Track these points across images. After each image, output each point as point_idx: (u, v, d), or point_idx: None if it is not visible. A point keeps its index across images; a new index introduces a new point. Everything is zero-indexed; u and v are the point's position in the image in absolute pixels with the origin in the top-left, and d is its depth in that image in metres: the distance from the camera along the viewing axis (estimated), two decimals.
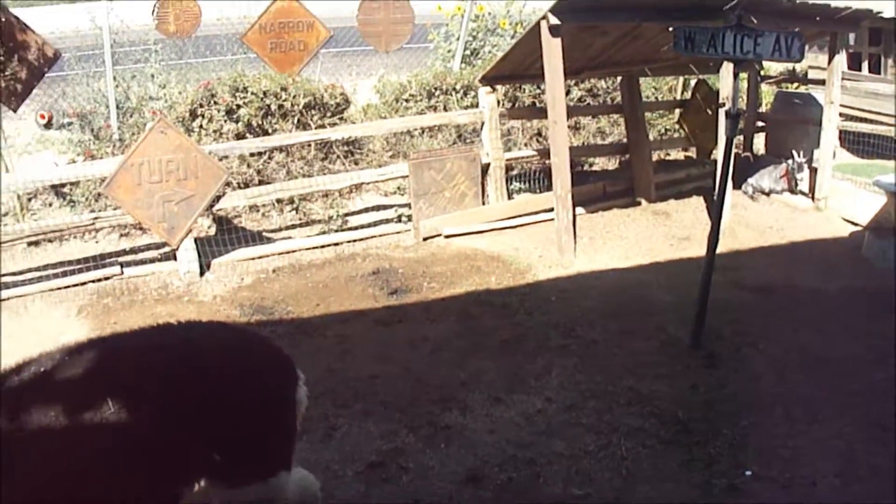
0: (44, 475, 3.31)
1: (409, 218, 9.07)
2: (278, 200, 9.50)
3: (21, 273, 8.61)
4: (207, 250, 8.59)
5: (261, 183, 9.39)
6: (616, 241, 9.34)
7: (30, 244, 9.29)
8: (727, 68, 8.52)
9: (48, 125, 10.71)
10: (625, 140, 11.38)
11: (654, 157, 11.59)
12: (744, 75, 11.12)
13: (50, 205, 10.01)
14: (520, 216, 9.58)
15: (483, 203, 9.67)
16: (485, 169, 9.73)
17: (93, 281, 8.25)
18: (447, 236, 8.82)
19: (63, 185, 9.45)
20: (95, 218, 8.53)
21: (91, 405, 3.38)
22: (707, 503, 4.75)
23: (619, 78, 11.33)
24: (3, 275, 8.53)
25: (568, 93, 11.35)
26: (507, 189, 10.16)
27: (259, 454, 3.80)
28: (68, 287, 8.22)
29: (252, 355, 3.85)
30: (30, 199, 9.88)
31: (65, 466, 3.35)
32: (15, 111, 9.32)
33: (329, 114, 10.31)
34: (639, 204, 10.60)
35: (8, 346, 7.00)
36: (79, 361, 3.52)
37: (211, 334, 3.88)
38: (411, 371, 6.25)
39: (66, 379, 3.46)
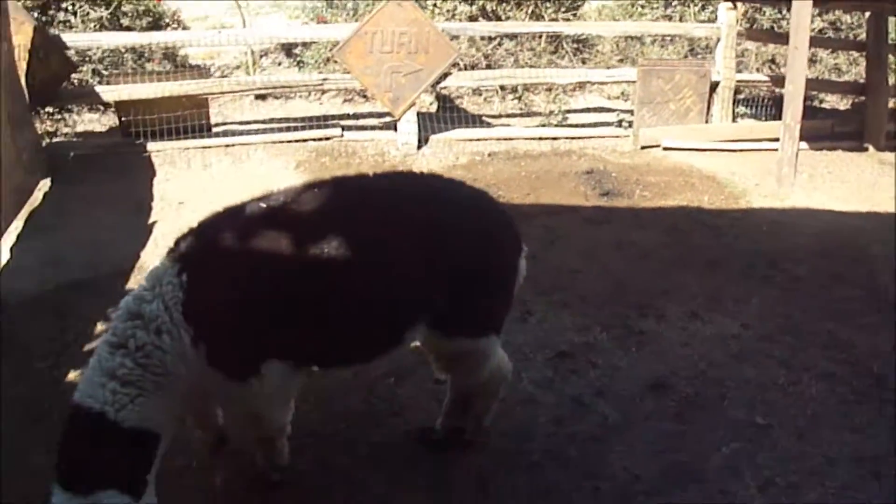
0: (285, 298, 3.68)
1: (630, 124, 9.00)
2: (502, 87, 9.60)
3: (247, 123, 9.21)
4: (427, 125, 8.85)
5: (488, 67, 9.50)
6: (836, 183, 8.94)
7: (257, 97, 9.88)
8: None
9: None
10: (862, 80, 10.70)
11: (891, 104, 10.87)
12: None
13: (279, 64, 10.52)
14: (742, 140, 9.31)
15: (706, 121, 9.45)
16: (713, 87, 9.47)
17: (314, 139, 8.73)
18: (665, 148, 8.70)
19: (294, 46, 9.86)
20: (324, 79, 8.93)
21: (336, 237, 3.69)
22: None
23: (867, 14, 10.58)
24: (230, 123, 9.15)
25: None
26: (733, 111, 9.86)
27: (479, 312, 4.06)
28: (290, 142, 8.74)
29: (490, 217, 4.06)
30: (261, 56, 10.40)
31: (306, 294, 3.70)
32: None
33: (563, 9, 10.22)
34: (866, 150, 10.02)
35: (231, 185, 7.63)
36: (326, 195, 3.83)
37: (455, 188, 4.08)
38: (613, 272, 6.34)
39: (313, 209, 3.77)
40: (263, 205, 3.79)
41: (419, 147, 8.56)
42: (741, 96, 10.44)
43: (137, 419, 3.55)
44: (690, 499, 4.29)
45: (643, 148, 8.61)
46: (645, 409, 4.95)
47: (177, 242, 3.76)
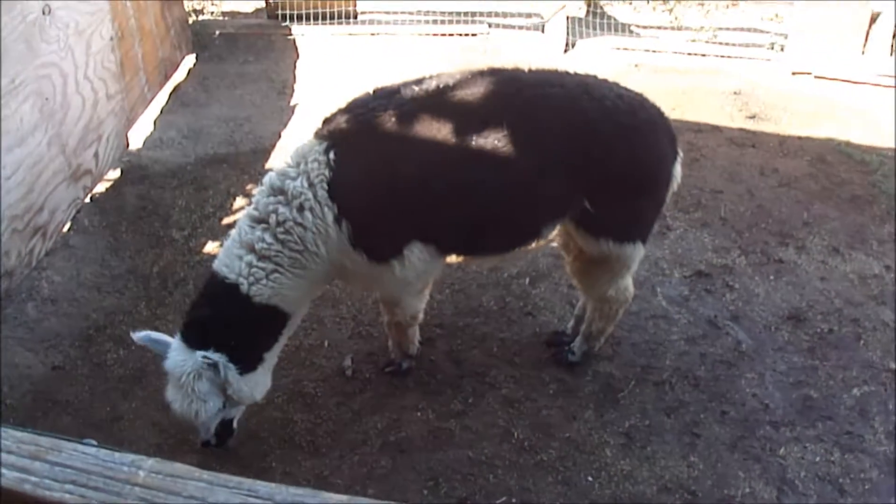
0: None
1: (782, 48, 8.59)
2: None
3: (393, 13, 9.16)
4: (575, 30, 8.65)
5: None
6: None
7: None
8: None
9: None
10: None
11: None
12: None
13: None
14: None
15: (863, 53, 8.94)
16: (874, 17, 8.92)
17: (459, 34, 8.61)
18: (817, 76, 8.29)
19: None
20: None
21: (487, 126, 3.65)
22: None
23: None
24: (377, 12, 9.12)
25: None
26: (892, 45, 9.29)
27: (628, 216, 4.00)
28: (435, 35, 8.65)
29: (646, 119, 3.92)
30: None
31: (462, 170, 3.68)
32: None
33: None
34: None
35: (374, 73, 7.63)
36: (480, 83, 3.75)
37: (610, 87, 3.92)
38: (755, 197, 6.16)
39: (466, 96, 3.71)
40: (416, 87, 3.74)
41: (566, 51, 8.39)
42: None
43: (269, 295, 3.65)
44: (817, 436, 4.25)
45: (794, 74, 8.22)
46: (778, 339, 4.86)
47: (325, 121, 3.78)
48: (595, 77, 3.98)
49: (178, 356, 3.60)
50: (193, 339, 3.61)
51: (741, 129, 7.14)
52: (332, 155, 3.57)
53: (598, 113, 3.73)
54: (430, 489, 3.89)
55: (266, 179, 3.71)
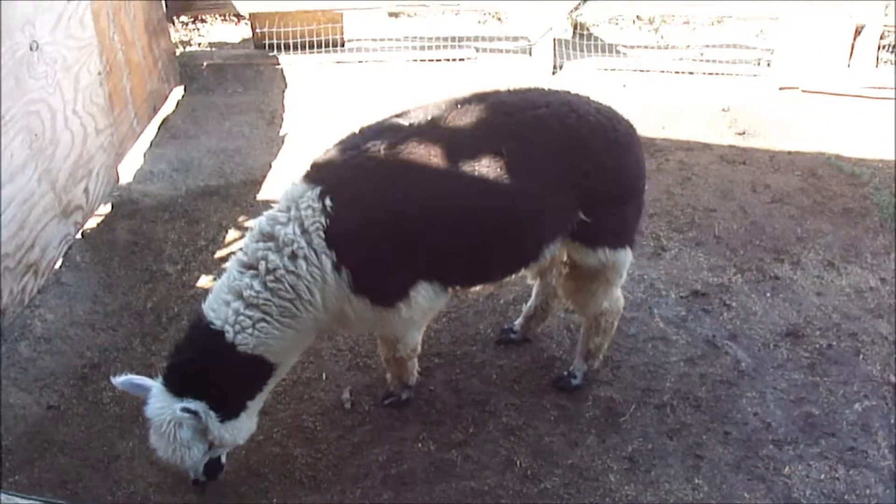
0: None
1: (769, 64, 8.63)
2: (638, 17, 9.32)
3: (380, 40, 9.19)
4: (562, 52, 8.68)
5: None
6: None
7: (390, 14, 9.83)
8: None
9: None
10: None
11: None
12: None
13: None
14: (884, 88, 8.82)
15: (848, 66, 8.98)
16: (858, 30, 8.96)
17: (447, 59, 8.64)
18: (804, 91, 8.33)
19: None
20: None
21: (480, 153, 3.66)
22: None
23: None
24: (363, 39, 9.16)
25: None
26: (877, 57, 9.34)
27: (619, 222, 4.06)
28: (423, 61, 8.68)
29: (624, 127, 4.00)
30: None
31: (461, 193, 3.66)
32: None
33: None
34: None
35: (363, 101, 7.62)
36: (466, 111, 3.75)
37: (587, 101, 3.97)
38: (748, 214, 6.16)
39: (455, 126, 3.71)
40: (404, 122, 3.71)
41: (553, 73, 8.42)
42: (886, 42, 9.86)
43: (254, 344, 3.57)
44: (820, 453, 4.22)
45: (781, 89, 8.26)
46: (778, 356, 4.85)
47: (314, 165, 3.71)
48: (568, 92, 4.06)
49: (158, 403, 3.52)
50: (174, 385, 3.54)
51: (731, 146, 7.16)
52: (327, 201, 3.50)
53: (586, 129, 3.80)
54: None
55: (256, 224, 3.64)
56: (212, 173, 6.89)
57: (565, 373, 4.61)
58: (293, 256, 3.50)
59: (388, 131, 3.68)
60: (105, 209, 6.26)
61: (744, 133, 7.42)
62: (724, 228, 5.98)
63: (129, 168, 6.84)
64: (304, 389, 4.62)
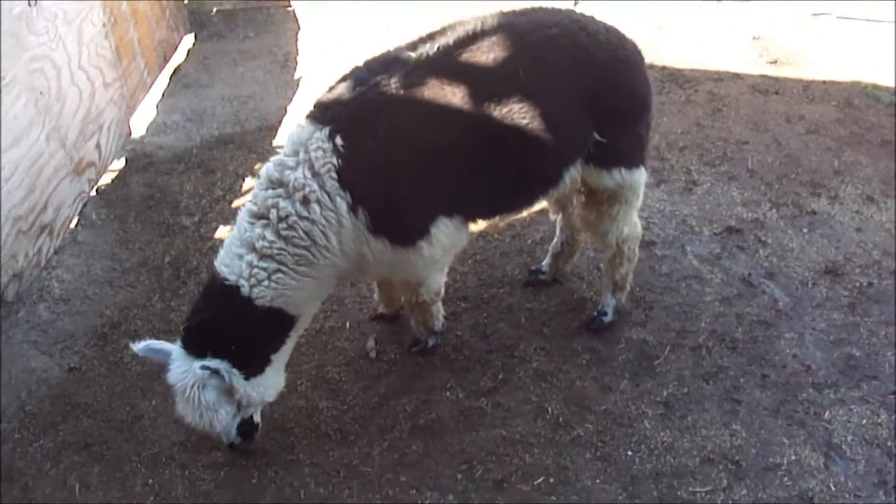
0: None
1: None
2: None
3: None
4: None
5: None
6: None
7: None
8: None
9: None
10: None
11: None
12: None
13: None
14: None
15: None
16: None
17: None
18: (839, 17, 8.00)
19: None
20: None
21: (495, 79, 3.51)
22: None
23: None
24: None
25: None
26: None
27: (632, 143, 3.94)
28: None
29: (630, 45, 3.88)
30: None
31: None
32: None
33: None
34: None
35: (379, 39, 7.40)
36: (476, 36, 3.56)
37: (593, 20, 3.81)
38: (783, 146, 5.93)
39: (466, 51, 3.53)
40: (413, 53, 3.50)
41: (575, 4, 8.13)
42: None
43: (272, 297, 3.41)
44: (862, 397, 4.05)
45: (815, 15, 7.93)
46: (816, 295, 4.66)
47: (318, 105, 3.50)
48: (572, 11, 3.92)
49: (179, 367, 3.38)
50: (194, 346, 3.38)
51: (763, 76, 6.90)
52: (338, 140, 3.32)
53: (598, 49, 3.68)
54: (465, 472, 3.74)
55: (263, 171, 3.46)
56: (226, 121, 6.75)
57: (595, 313, 4.48)
58: (305, 201, 3.33)
59: (395, 63, 3.48)
60: (119, 164, 6.13)
61: (776, 62, 7.14)
62: (757, 161, 5.76)
63: (141, 121, 6.71)
64: (328, 339, 4.50)
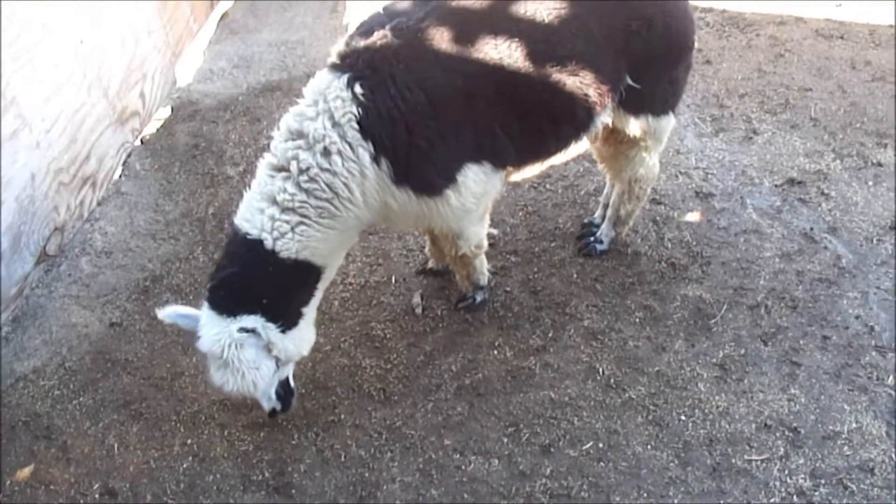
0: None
1: None
2: None
3: None
4: None
5: None
6: None
7: None
8: None
9: None
10: None
11: None
12: None
13: None
14: None
15: None
16: None
17: None
18: None
19: None
20: None
21: (522, 21, 3.36)
22: None
23: None
24: None
25: None
26: None
27: (666, 89, 3.83)
28: None
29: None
30: None
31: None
32: None
33: None
34: None
35: None
36: None
37: None
38: (847, 94, 5.66)
39: None
40: None
41: None
42: None
43: (297, 249, 3.32)
44: None
45: None
46: (881, 252, 4.45)
47: (338, 52, 3.35)
48: None
49: (212, 330, 3.28)
50: (223, 305, 3.29)
51: (827, 19, 6.58)
52: (357, 88, 3.18)
53: None
54: (511, 436, 3.66)
55: (282, 122, 3.34)
56: (273, 68, 6.62)
57: (591, 238, 4.45)
58: (326, 153, 3.22)
59: (415, 7, 3.35)
60: (164, 113, 6.05)
61: (841, 4, 6.79)
62: (820, 110, 5.52)
63: (187, 68, 6.60)
64: (373, 294, 4.41)
